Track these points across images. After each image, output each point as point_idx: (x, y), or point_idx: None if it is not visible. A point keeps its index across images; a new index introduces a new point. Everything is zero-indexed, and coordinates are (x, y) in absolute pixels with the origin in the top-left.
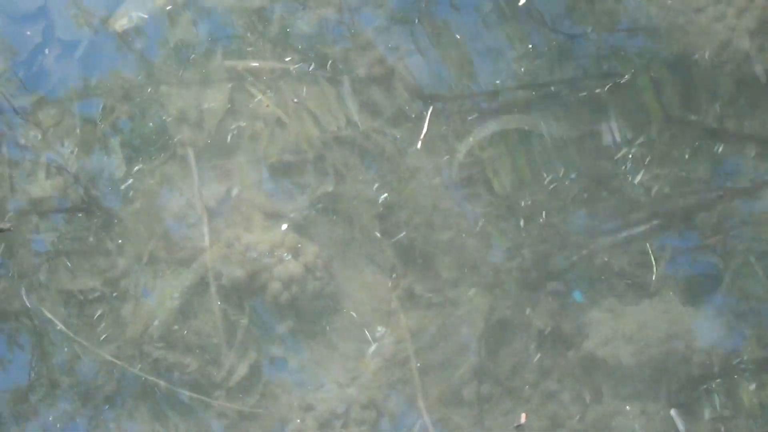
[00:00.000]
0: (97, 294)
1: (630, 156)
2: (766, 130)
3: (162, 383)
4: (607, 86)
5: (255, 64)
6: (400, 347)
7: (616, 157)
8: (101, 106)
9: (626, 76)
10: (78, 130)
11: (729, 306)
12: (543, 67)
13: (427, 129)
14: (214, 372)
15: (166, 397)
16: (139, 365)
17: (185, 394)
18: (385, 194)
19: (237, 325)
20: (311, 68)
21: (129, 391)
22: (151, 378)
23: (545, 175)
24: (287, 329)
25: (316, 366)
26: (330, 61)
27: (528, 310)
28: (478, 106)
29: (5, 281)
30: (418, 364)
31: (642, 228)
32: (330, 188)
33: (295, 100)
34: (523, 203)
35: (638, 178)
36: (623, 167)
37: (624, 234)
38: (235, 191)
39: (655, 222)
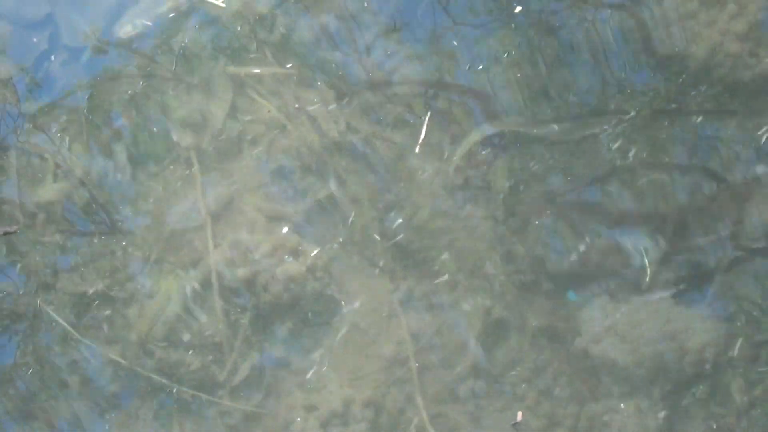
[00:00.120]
0: (103, 296)
1: (630, 156)
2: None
3: (165, 382)
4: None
5: (257, 70)
6: (400, 347)
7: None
8: (106, 112)
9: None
10: (84, 135)
11: (721, 305)
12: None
13: (426, 133)
14: (217, 372)
15: (170, 396)
16: (144, 365)
17: (189, 393)
18: (385, 197)
19: (239, 326)
20: (312, 74)
21: (134, 390)
22: (155, 377)
23: (543, 176)
24: (288, 330)
25: (317, 366)
26: (330, 67)
27: (524, 310)
28: (474, 110)
29: (12, 284)
30: (417, 364)
31: (635, 228)
32: (330, 192)
33: (297, 105)
34: (520, 205)
35: (638, 178)
36: (620, 165)
37: (618, 234)
38: (237, 194)
39: (648, 223)
